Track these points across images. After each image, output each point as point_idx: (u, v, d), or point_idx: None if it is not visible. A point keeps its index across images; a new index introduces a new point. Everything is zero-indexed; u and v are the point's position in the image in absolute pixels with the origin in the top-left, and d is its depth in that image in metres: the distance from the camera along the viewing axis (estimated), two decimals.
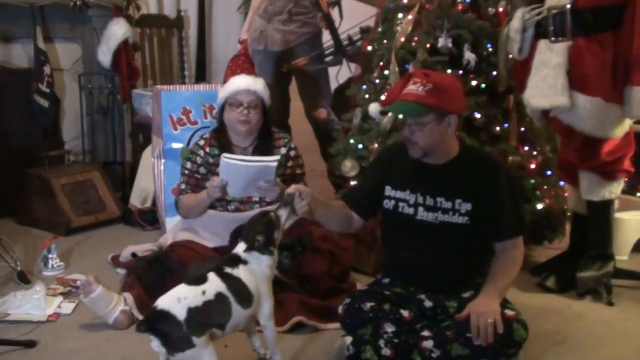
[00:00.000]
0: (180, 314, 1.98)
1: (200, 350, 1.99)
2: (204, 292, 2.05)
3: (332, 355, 2.29)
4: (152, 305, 2.05)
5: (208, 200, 2.89)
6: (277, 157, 2.81)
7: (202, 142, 3.05)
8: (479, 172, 2.32)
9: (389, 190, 2.39)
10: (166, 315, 1.98)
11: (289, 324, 2.54)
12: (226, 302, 2.07)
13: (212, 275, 2.12)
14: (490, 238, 2.33)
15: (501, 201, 2.30)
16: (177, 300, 2.01)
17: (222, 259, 2.27)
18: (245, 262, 2.17)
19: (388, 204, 2.39)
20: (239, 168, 2.71)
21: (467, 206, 2.28)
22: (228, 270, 2.14)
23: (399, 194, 2.37)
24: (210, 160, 2.99)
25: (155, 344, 2.00)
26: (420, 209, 2.32)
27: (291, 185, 2.32)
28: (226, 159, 2.72)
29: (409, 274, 2.37)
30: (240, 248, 2.20)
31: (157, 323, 1.99)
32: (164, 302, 2.02)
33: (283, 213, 2.24)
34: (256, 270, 2.17)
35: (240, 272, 2.14)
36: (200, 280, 2.10)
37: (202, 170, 3.01)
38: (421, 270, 2.34)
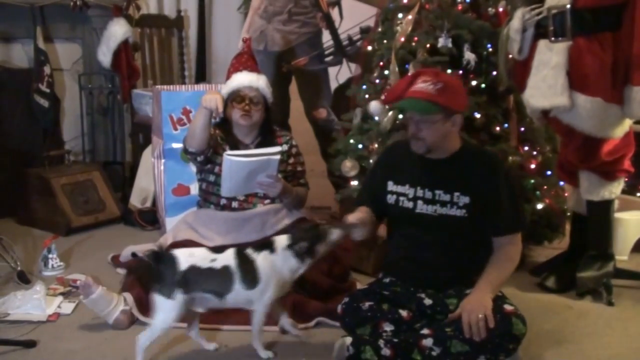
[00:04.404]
0: (183, 265, 2.20)
1: (170, 306, 2.19)
2: (213, 260, 2.25)
3: (332, 355, 2.28)
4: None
5: (203, 111, 2.78)
6: (279, 149, 2.83)
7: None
8: (478, 166, 2.36)
9: (391, 186, 2.43)
10: (172, 259, 2.21)
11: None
12: (230, 276, 2.23)
13: (230, 250, 2.29)
14: (487, 232, 2.35)
15: (498, 196, 2.32)
16: (189, 254, 2.25)
17: (259, 241, 2.41)
18: (273, 251, 2.27)
19: (390, 199, 2.42)
20: (243, 165, 2.73)
21: (465, 199, 2.31)
22: (248, 251, 2.28)
23: (400, 189, 2.40)
24: (219, 140, 3.00)
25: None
26: (420, 202, 2.36)
27: (354, 214, 2.33)
28: (229, 156, 2.73)
29: (410, 270, 2.38)
30: (282, 240, 2.29)
31: (161, 260, 2.22)
32: (178, 251, 2.28)
33: (335, 233, 2.29)
34: (277, 264, 2.27)
35: (259, 256, 2.27)
36: (219, 250, 2.31)
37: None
38: (422, 266, 2.35)
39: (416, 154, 2.36)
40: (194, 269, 2.21)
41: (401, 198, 2.39)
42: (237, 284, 2.23)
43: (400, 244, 2.43)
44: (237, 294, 2.25)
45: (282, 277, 2.28)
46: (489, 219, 2.32)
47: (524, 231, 2.41)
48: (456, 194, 2.32)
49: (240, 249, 2.30)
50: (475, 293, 2.23)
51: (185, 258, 2.23)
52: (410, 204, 2.37)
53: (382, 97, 3.18)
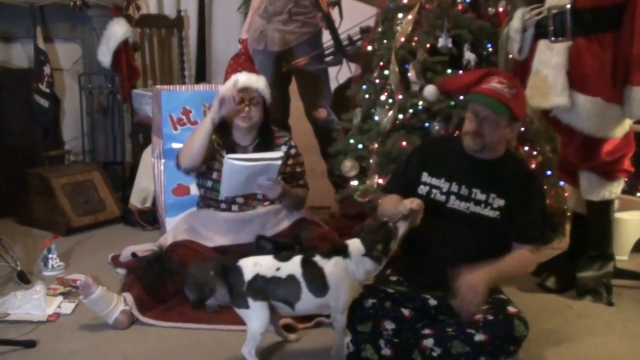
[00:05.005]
0: (248, 275, 2.21)
1: (253, 314, 2.20)
2: (278, 269, 2.24)
3: (330, 354, 2.29)
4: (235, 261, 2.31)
5: (209, 122, 2.83)
6: (281, 154, 2.84)
7: None
8: (519, 174, 2.43)
9: (425, 177, 2.45)
10: (238, 271, 2.22)
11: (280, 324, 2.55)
12: (296, 285, 2.22)
13: (296, 259, 2.27)
14: (512, 237, 2.37)
15: (531, 205, 2.38)
16: (254, 264, 2.24)
17: (332, 245, 2.43)
18: (346, 256, 2.24)
19: (422, 190, 2.44)
20: (243, 169, 2.74)
21: (500, 202, 2.35)
22: (316, 259, 2.25)
23: (434, 181, 2.43)
24: (216, 146, 3.00)
25: (220, 291, 2.32)
26: (452, 197, 2.39)
27: (411, 200, 2.30)
28: (230, 160, 2.74)
29: (429, 265, 2.37)
30: (356, 245, 2.25)
31: (228, 273, 2.25)
32: (243, 261, 2.27)
33: (402, 226, 2.28)
34: (351, 269, 2.24)
35: (329, 263, 2.23)
36: (284, 258, 2.29)
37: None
38: (442, 261, 2.33)
39: (458, 150, 2.41)
40: (259, 278, 2.21)
41: (434, 190, 2.42)
42: (304, 293, 2.22)
43: (423, 237, 2.41)
44: (307, 302, 2.24)
45: (355, 280, 2.26)
46: (518, 224, 2.35)
47: (543, 246, 2.49)
48: (492, 195, 2.36)
49: (307, 257, 2.27)
50: (480, 272, 2.21)
51: (250, 268, 2.24)
52: (442, 198, 2.40)
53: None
